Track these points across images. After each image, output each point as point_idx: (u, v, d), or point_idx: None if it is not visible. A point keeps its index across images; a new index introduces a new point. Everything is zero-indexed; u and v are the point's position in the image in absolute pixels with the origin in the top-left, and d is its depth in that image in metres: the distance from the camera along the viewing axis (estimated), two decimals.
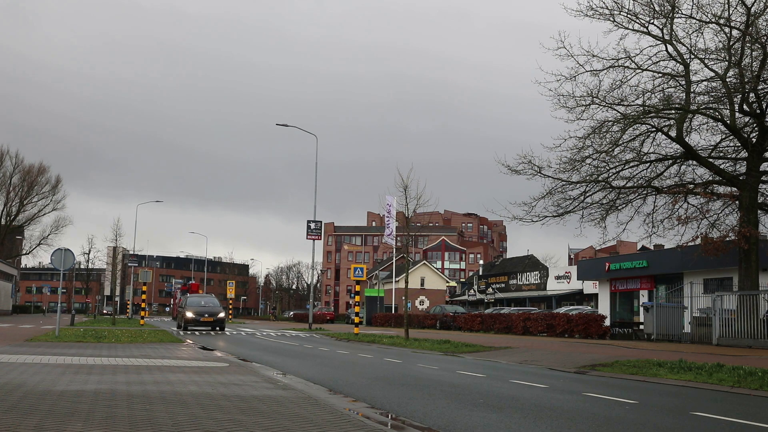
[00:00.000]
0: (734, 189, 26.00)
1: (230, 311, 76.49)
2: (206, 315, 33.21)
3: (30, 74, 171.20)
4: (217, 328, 33.64)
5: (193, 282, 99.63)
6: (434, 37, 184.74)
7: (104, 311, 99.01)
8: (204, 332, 32.53)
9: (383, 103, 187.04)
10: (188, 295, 37.51)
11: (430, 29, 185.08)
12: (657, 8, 25.15)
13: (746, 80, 24.12)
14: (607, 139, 26.09)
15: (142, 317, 44.97)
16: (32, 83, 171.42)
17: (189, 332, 32.10)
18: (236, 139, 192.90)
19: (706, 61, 25.55)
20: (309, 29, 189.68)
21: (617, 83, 25.93)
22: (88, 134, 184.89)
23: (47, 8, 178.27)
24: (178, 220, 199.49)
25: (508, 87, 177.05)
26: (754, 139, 25.95)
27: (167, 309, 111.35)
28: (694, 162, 26.88)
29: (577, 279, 49.93)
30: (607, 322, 34.35)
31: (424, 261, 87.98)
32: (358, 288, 36.07)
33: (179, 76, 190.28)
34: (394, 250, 61.05)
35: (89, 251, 67.97)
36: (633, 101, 26.12)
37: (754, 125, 26.15)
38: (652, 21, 25.42)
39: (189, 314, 33.06)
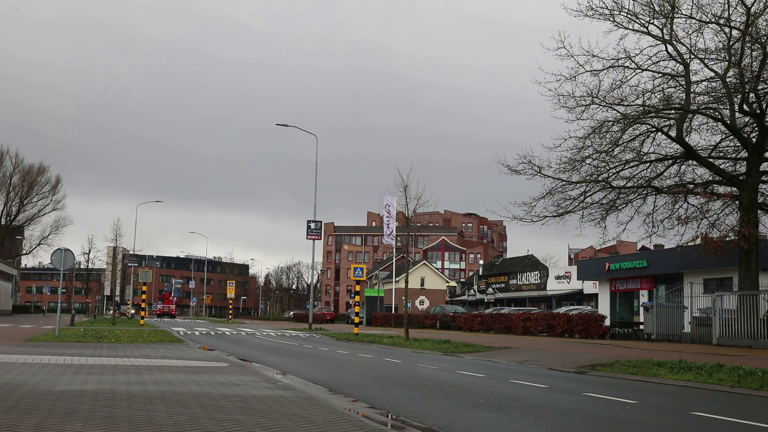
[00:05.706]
0: (734, 189, 25.99)
1: (230, 311, 76.63)
2: None
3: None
4: None
5: (166, 291, 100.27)
6: (417, 34, 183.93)
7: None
8: None
9: (348, 97, 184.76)
10: None
11: (412, 25, 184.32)
12: (657, 8, 25.15)
13: (746, 80, 24.13)
14: (607, 139, 26.10)
15: (142, 317, 45.05)
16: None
17: None
18: (211, 135, 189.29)
19: (706, 61, 25.54)
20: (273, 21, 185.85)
21: (617, 83, 25.95)
22: (69, 130, 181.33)
23: None
24: (164, 219, 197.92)
25: (509, 87, 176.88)
26: (754, 139, 25.95)
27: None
28: (694, 162, 26.87)
29: (577, 279, 49.91)
30: (607, 322, 34.33)
31: (424, 261, 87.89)
32: (358, 288, 36.08)
33: (139, 67, 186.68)
34: (394, 250, 61.00)
35: (89, 251, 68.08)
36: (633, 101, 26.13)
37: (754, 125, 26.14)
38: (652, 21, 25.42)
39: None
